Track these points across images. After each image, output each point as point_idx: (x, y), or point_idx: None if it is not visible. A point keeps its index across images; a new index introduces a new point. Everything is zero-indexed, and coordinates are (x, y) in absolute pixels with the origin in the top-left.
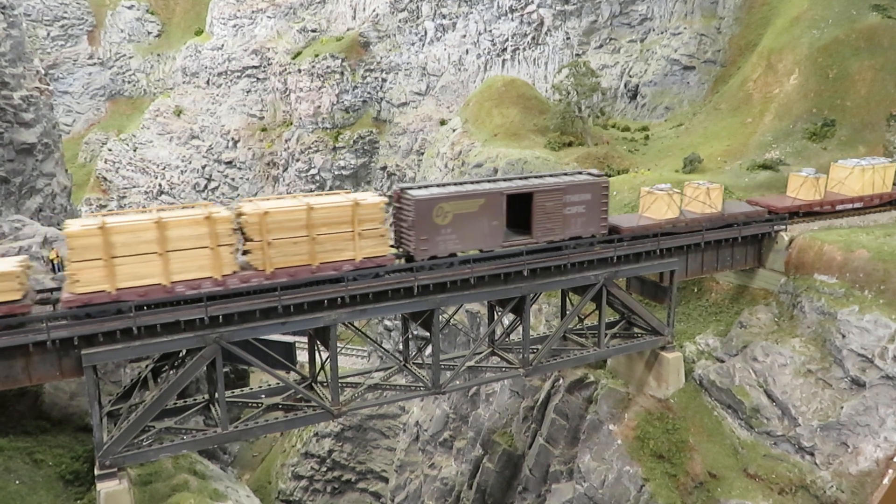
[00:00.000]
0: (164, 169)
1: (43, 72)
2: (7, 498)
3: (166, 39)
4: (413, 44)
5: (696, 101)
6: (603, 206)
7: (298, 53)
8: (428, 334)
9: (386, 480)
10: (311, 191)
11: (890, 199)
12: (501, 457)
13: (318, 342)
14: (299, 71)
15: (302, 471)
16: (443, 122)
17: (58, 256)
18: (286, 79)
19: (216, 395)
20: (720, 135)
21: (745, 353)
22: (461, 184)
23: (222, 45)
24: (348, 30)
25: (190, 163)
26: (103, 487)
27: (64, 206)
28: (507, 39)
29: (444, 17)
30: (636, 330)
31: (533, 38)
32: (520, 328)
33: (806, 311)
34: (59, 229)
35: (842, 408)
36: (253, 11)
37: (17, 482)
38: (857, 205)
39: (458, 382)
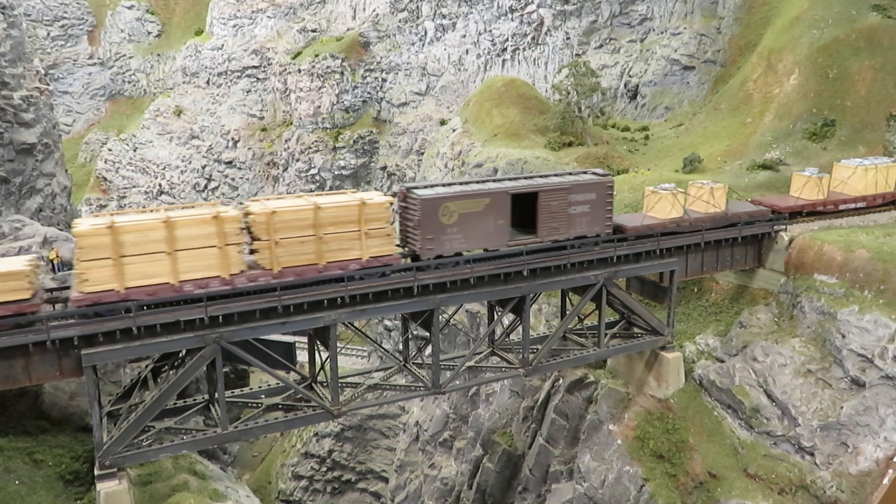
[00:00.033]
0: (164, 169)
1: (43, 72)
2: (7, 498)
3: (166, 39)
4: (413, 44)
5: (696, 101)
6: (608, 205)
7: (298, 53)
8: (428, 334)
9: (386, 480)
10: (311, 191)
11: (893, 198)
12: (501, 457)
13: (318, 342)
14: (299, 71)
15: (302, 471)
16: (443, 122)
17: (57, 257)
18: (286, 79)
19: (216, 395)
20: (720, 135)
21: (745, 353)
22: (466, 183)
23: (222, 45)
24: (348, 30)
25: (190, 163)
26: (103, 487)
27: (64, 207)
28: (507, 39)
29: (444, 17)
30: (636, 330)
31: (533, 38)
32: (520, 328)
33: (806, 311)
34: (60, 229)
35: (842, 408)
36: (253, 11)
37: (17, 482)
38: (859, 204)
39: (458, 382)
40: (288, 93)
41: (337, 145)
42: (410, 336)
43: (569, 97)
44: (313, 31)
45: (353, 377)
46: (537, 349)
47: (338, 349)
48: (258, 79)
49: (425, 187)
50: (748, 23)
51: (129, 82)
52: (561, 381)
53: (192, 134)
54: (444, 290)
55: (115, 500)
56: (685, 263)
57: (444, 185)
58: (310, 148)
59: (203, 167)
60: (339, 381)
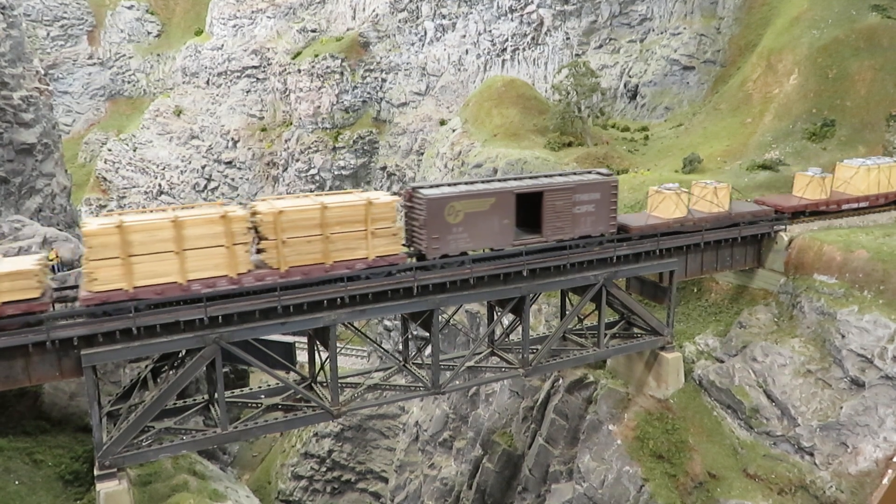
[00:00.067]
0: (163, 169)
1: (43, 72)
2: (7, 498)
3: (166, 39)
4: (413, 44)
5: (696, 102)
6: (612, 205)
7: (298, 53)
8: (428, 334)
9: (386, 480)
10: (311, 191)
11: (895, 198)
12: (501, 457)
13: (318, 342)
14: (299, 71)
15: (302, 471)
16: (443, 122)
17: (57, 257)
18: (286, 79)
19: (216, 395)
20: (720, 135)
21: (745, 354)
22: (472, 183)
23: (222, 45)
24: (348, 30)
25: (190, 163)
26: (103, 488)
27: (64, 207)
28: (506, 39)
29: (443, 17)
30: (636, 330)
31: (533, 39)
32: (519, 328)
33: (805, 311)
34: (59, 230)
35: (841, 408)
36: (253, 11)
37: (17, 482)
38: (862, 204)
39: (457, 382)
40: (288, 93)
41: (337, 145)
42: (410, 336)
43: (569, 97)
44: (313, 31)
45: (353, 377)
46: (537, 349)
47: (338, 349)
48: (258, 79)
49: (431, 187)
50: (748, 23)
51: (129, 82)
52: (561, 381)
53: (191, 134)
54: (443, 290)
55: (114, 500)
56: (685, 264)
57: (449, 185)
58: (310, 148)
59: (203, 167)
60: (339, 381)
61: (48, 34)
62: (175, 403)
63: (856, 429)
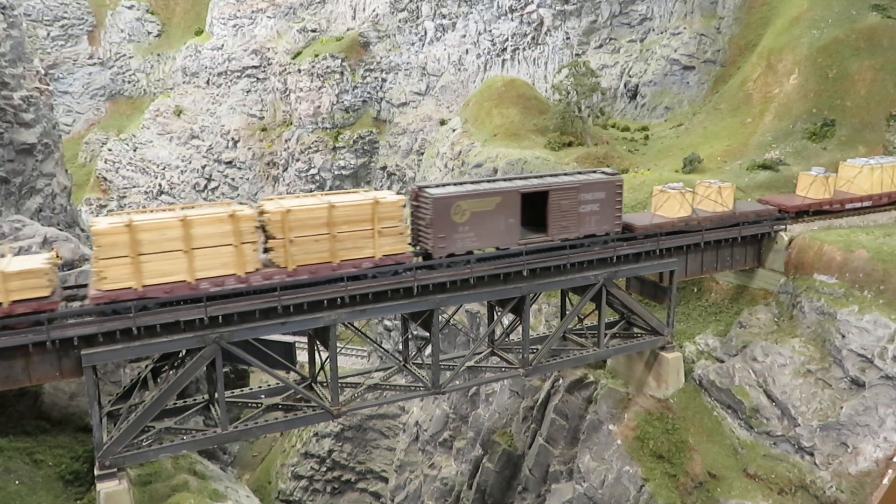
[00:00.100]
0: (164, 169)
1: (43, 72)
2: (7, 498)
3: (166, 39)
4: (413, 44)
5: (696, 101)
6: (617, 204)
7: (298, 53)
8: (428, 334)
9: (386, 480)
10: (311, 191)
11: None
12: (501, 457)
13: (318, 342)
14: (299, 71)
15: (302, 471)
16: (443, 122)
17: (58, 257)
18: (286, 79)
19: (216, 395)
20: (720, 135)
21: (745, 354)
22: (477, 182)
23: (222, 45)
24: (348, 30)
25: (190, 163)
26: (103, 488)
27: (64, 207)
28: (506, 39)
29: (443, 17)
30: (636, 330)
31: (533, 38)
32: (519, 328)
33: (805, 311)
34: (60, 229)
35: (841, 408)
36: (253, 11)
37: (17, 482)
38: (866, 203)
39: (457, 382)
40: (288, 93)
41: (337, 145)
42: (410, 336)
43: (569, 97)
44: (313, 31)
45: (353, 377)
46: (537, 349)
47: (338, 349)
48: (258, 79)
49: (437, 186)
50: (748, 23)
51: (129, 82)
52: (561, 381)
53: (192, 134)
54: (443, 290)
55: (115, 500)
56: (685, 263)
57: (455, 185)
58: (310, 148)
59: (203, 167)
60: (339, 381)
61: (48, 34)
62: (175, 403)
63: (856, 429)
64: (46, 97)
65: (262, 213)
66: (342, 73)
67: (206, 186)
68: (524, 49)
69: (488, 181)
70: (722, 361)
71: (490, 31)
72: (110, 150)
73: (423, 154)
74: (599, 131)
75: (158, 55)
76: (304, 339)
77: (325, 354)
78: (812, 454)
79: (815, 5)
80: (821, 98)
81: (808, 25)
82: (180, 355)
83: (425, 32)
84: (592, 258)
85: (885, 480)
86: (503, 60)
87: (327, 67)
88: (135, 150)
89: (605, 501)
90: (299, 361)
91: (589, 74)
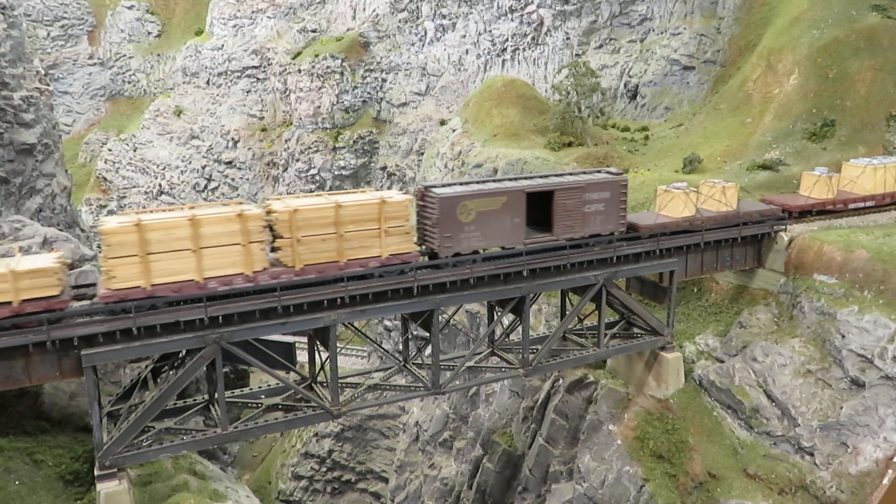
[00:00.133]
0: (164, 169)
1: (43, 72)
2: (7, 498)
3: (166, 39)
4: (413, 44)
5: (696, 102)
6: (622, 204)
7: (298, 53)
8: (428, 334)
9: (386, 480)
10: (311, 191)
11: None
12: (501, 457)
13: (318, 342)
14: (299, 71)
15: (302, 471)
16: (443, 123)
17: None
18: (286, 79)
19: (216, 395)
20: (720, 135)
21: (745, 354)
22: (483, 182)
23: (222, 46)
24: (348, 30)
25: (190, 163)
26: (103, 488)
27: (64, 207)
28: (506, 39)
29: (444, 17)
30: (636, 330)
31: (533, 39)
32: (519, 328)
33: (805, 311)
34: (60, 230)
35: (841, 408)
36: (253, 11)
37: (17, 482)
38: (869, 203)
39: (457, 382)
40: (288, 93)
41: (337, 145)
42: (410, 336)
43: (569, 97)
44: (313, 31)
45: (353, 377)
46: (537, 349)
47: (338, 349)
48: (258, 79)
49: (443, 186)
50: (748, 23)
51: (129, 82)
52: (561, 381)
53: (192, 134)
54: (444, 290)
55: (115, 500)
56: (685, 264)
57: (461, 184)
58: (310, 148)
59: (203, 167)
60: (339, 381)
61: (48, 34)
62: (175, 403)
63: (856, 429)
64: (46, 97)
65: (269, 212)
66: (342, 74)
67: (206, 187)
68: (524, 49)
69: (494, 181)
70: (722, 361)
71: (490, 31)
72: (110, 150)
73: (423, 154)
74: (599, 131)
75: (158, 55)
76: (304, 340)
77: (325, 354)
78: (812, 454)
79: (815, 5)
80: (821, 98)
81: (807, 25)
82: (180, 355)
83: (425, 33)
84: (592, 258)
85: (885, 480)
86: (503, 61)
87: (327, 67)
88: (135, 151)
89: (605, 501)
90: (299, 361)
91: (589, 74)
